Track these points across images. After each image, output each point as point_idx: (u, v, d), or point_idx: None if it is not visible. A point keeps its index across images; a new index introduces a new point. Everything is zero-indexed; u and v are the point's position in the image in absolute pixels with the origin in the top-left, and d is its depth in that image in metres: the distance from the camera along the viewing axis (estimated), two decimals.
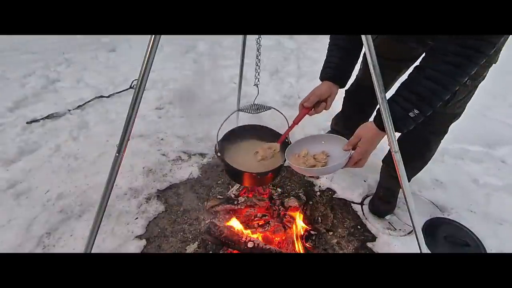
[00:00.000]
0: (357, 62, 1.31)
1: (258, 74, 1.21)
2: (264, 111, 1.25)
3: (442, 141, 1.34)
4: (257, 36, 1.12)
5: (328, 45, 1.30)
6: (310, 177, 1.79)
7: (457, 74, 0.85)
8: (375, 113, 0.99)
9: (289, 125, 1.25)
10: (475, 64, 0.83)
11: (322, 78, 1.26)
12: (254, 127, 1.36)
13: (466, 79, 0.87)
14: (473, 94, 1.15)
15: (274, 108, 1.25)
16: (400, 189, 1.48)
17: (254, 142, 1.33)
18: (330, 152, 1.18)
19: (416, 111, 0.90)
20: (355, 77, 1.65)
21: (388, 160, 1.54)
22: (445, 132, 1.28)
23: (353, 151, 1.04)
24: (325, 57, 1.30)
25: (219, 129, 1.21)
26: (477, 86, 1.13)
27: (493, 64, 1.07)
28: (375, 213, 1.56)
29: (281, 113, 1.26)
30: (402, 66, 1.42)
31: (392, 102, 0.94)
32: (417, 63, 0.97)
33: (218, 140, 1.22)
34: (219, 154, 1.20)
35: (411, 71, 0.97)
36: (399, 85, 0.99)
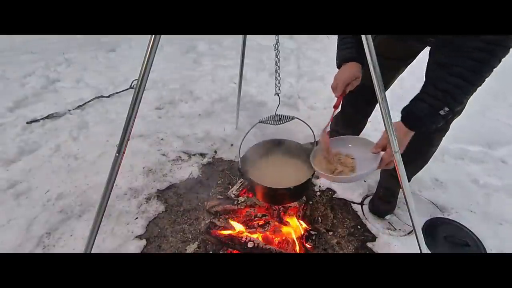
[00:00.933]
0: None
1: (279, 83, 1.13)
2: (286, 121, 1.17)
3: (443, 138, 1.33)
4: (274, 41, 1.06)
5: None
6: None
7: (483, 70, 0.85)
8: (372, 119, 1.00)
9: (313, 133, 1.21)
10: (498, 59, 0.84)
11: (344, 60, 1.18)
12: (277, 142, 1.34)
13: (490, 74, 0.87)
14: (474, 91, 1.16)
15: (298, 118, 1.19)
16: (400, 189, 1.50)
17: (279, 158, 1.32)
18: (356, 155, 1.15)
19: (446, 109, 0.89)
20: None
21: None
22: (447, 129, 1.28)
23: (383, 152, 1.02)
24: (338, 44, 1.24)
25: (241, 143, 1.18)
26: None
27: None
28: (375, 213, 1.56)
29: (305, 122, 1.22)
30: (401, 64, 1.42)
31: (419, 101, 0.94)
32: (417, 57, 0.94)
33: (241, 156, 1.19)
34: (241, 170, 1.16)
35: (434, 68, 0.96)
36: (423, 83, 0.97)
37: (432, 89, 0.92)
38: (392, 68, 1.42)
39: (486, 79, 1.11)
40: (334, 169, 1.13)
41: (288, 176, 1.22)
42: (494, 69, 0.86)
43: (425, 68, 1.09)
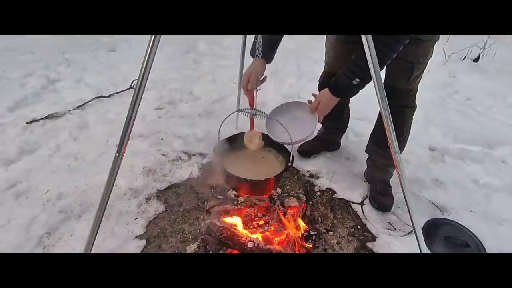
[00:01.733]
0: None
1: None
2: (261, 118, 1.27)
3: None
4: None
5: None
6: (309, 176, 1.80)
7: (387, 51, 1.09)
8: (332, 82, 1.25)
9: (289, 133, 1.26)
10: (400, 44, 1.10)
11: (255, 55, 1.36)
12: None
13: (394, 55, 1.11)
14: (424, 70, 1.37)
15: (273, 117, 1.25)
16: (394, 184, 1.64)
17: (252, 151, 1.35)
18: (300, 116, 1.40)
19: (358, 80, 1.13)
20: (323, 69, 1.77)
21: (368, 151, 1.65)
22: (415, 106, 1.46)
23: (317, 111, 1.33)
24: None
25: (219, 129, 1.23)
26: (427, 63, 1.35)
27: (436, 42, 1.30)
28: (380, 208, 1.57)
29: (280, 123, 1.26)
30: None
31: (342, 74, 1.19)
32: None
33: (217, 147, 1.26)
34: (214, 155, 1.24)
35: (357, 48, 1.13)
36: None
37: (351, 65, 1.16)
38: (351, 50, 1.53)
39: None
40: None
41: (258, 170, 1.30)
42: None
43: None
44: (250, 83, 1.32)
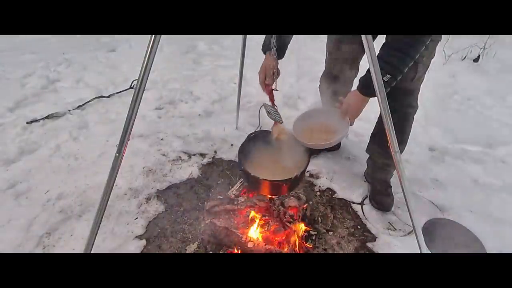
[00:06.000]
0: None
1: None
2: (274, 119, 1.26)
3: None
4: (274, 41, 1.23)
5: None
6: (309, 176, 1.80)
7: (416, 45, 1.08)
8: (357, 83, 1.21)
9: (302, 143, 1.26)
10: (423, 44, 1.10)
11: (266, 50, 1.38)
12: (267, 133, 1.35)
13: (423, 48, 1.10)
14: (427, 70, 1.36)
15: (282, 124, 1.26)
16: (394, 184, 1.64)
17: (273, 150, 1.33)
18: (329, 122, 1.36)
19: (388, 76, 1.11)
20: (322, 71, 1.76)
21: (369, 151, 1.63)
22: (417, 106, 1.44)
23: (347, 117, 1.28)
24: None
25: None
26: (430, 63, 1.33)
27: (439, 41, 1.29)
28: (381, 208, 1.57)
29: (297, 137, 1.26)
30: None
31: (369, 72, 1.14)
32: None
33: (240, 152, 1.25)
34: (242, 167, 1.21)
35: (383, 46, 1.14)
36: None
37: (380, 62, 1.10)
38: (361, 52, 1.52)
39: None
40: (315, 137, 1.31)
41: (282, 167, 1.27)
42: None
43: None
44: (267, 77, 1.33)
